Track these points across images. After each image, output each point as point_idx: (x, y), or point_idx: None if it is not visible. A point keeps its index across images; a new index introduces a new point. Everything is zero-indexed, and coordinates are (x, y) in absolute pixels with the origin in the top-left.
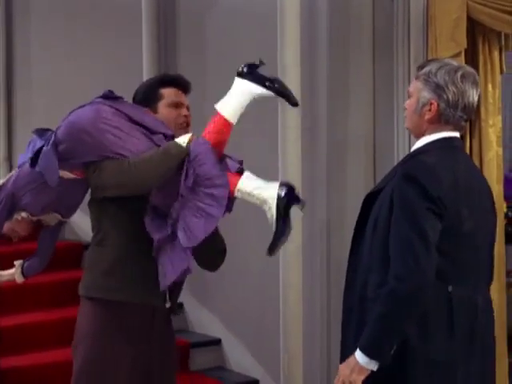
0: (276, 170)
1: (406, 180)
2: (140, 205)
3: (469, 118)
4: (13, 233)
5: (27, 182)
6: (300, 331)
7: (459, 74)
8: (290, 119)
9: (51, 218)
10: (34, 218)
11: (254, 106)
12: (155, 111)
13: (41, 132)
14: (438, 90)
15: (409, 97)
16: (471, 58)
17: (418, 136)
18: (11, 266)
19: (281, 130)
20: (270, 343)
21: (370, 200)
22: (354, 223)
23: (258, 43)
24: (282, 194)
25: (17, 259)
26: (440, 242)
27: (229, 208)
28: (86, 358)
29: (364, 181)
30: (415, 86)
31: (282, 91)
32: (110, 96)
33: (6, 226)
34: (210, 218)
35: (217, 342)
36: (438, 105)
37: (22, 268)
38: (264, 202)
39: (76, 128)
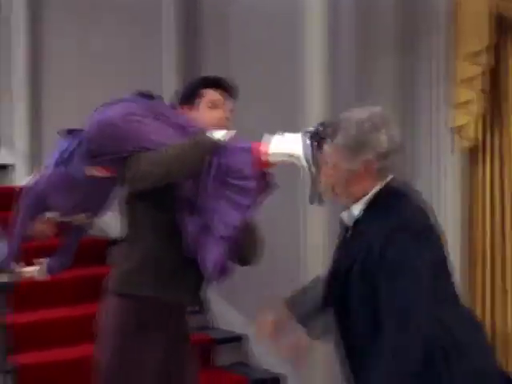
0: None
1: None
2: (172, 202)
3: None
4: (40, 234)
5: (56, 182)
6: None
7: None
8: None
9: (79, 219)
10: (62, 219)
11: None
12: (195, 109)
13: (68, 132)
14: None
15: None
16: (498, 53)
17: None
18: (36, 259)
19: None
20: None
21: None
22: None
23: (281, 38)
24: (307, 142)
25: (39, 255)
26: None
27: (269, 184)
28: (115, 354)
29: None
30: None
31: (314, 178)
32: (142, 94)
33: (35, 228)
34: (242, 207)
35: (241, 339)
36: None
37: (45, 266)
38: (295, 156)
39: (106, 124)
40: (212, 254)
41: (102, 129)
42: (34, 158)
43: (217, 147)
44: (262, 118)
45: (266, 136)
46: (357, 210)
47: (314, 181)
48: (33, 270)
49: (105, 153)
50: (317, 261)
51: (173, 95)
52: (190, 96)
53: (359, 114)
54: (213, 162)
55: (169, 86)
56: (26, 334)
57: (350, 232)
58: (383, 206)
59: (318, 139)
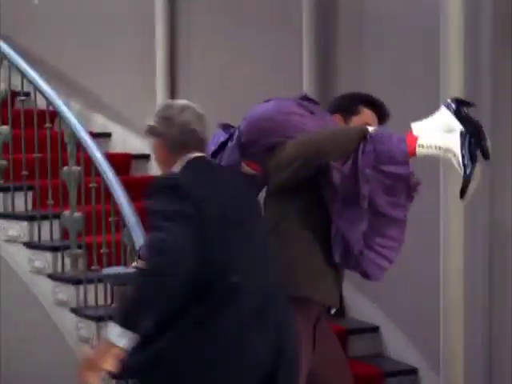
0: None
1: None
2: (320, 199)
3: None
4: None
5: None
6: (461, 318)
7: None
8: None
9: None
10: None
11: (413, 96)
12: (347, 122)
13: (225, 126)
14: None
15: None
16: None
17: None
18: None
19: None
20: (430, 331)
21: None
22: None
23: (418, 43)
24: (466, 139)
25: None
26: None
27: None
28: None
29: None
30: None
31: (479, 139)
32: (306, 98)
33: None
34: (402, 196)
35: (375, 329)
36: None
37: None
38: (446, 150)
39: (256, 118)
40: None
41: (254, 123)
42: None
43: (368, 133)
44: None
45: (414, 124)
46: None
47: (468, 178)
48: None
49: (255, 144)
50: (455, 244)
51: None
52: (347, 108)
53: None
54: (365, 149)
55: (309, 85)
56: None
57: None
58: None
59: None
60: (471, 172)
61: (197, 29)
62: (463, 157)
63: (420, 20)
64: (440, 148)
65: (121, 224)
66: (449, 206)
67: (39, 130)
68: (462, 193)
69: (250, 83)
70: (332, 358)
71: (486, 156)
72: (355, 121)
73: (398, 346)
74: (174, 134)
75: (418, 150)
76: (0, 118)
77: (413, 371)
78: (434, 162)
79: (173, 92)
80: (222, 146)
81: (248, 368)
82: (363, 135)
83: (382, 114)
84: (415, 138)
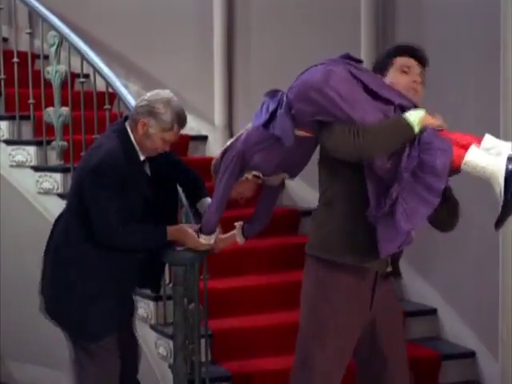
0: None
1: None
2: (367, 171)
3: None
4: (239, 195)
5: (257, 142)
6: None
7: None
8: None
9: (276, 179)
10: (262, 179)
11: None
12: (387, 75)
13: (272, 93)
14: None
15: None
16: None
17: None
18: (233, 229)
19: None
20: (488, 314)
21: None
22: None
23: (478, 33)
24: (510, 167)
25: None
26: None
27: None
28: (308, 316)
29: None
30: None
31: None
32: (349, 57)
33: (235, 188)
34: (427, 205)
35: (433, 312)
36: None
37: (243, 229)
38: (491, 175)
39: (305, 87)
40: (392, 237)
41: (301, 91)
42: (226, 129)
43: (412, 137)
44: (453, 117)
45: (472, 147)
46: None
47: (506, 210)
48: (232, 235)
49: (304, 115)
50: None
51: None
52: (383, 64)
53: None
54: (411, 153)
55: None
56: (221, 301)
57: None
58: None
59: None
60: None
61: (255, 14)
62: (506, 188)
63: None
64: (484, 171)
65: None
66: None
67: (98, 112)
68: (498, 224)
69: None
70: (390, 319)
71: None
72: (391, 72)
73: (456, 329)
74: None
75: (463, 167)
76: (60, 100)
77: (471, 354)
78: None
79: (230, 75)
80: (273, 114)
81: None
82: (410, 139)
83: (415, 55)
84: (463, 154)
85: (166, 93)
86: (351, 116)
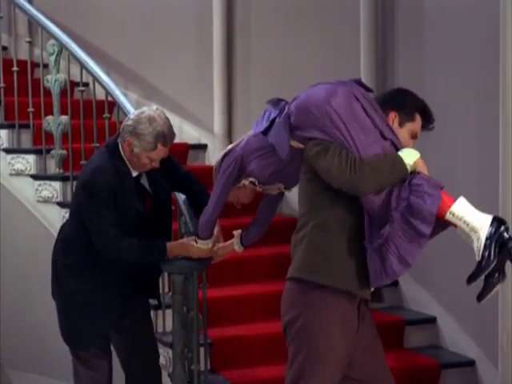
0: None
1: None
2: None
3: None
4: (236, 200)
5: (256, 148)
6: None
7: None
8: None
9: (274, 188)
10: (259, 187)
11: (474, 96)
12: (401, 125)
13: (275, 102)
14: None
15: None
16: None
17: None
18: (231, 238)
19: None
20: (488, 322)
21: None
22: None
23: (478, 42)
24: (493, 230)
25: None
26: None
27: (443, 228)
28: (301, 340)
29: None
30: None
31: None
32: (359, 83)
33: (232, 193)
34: (417, 246)
35: (433, 321)
36: None
37: (241, 237)
38: (473, 229)
39: (308, 102)
40: (385, 270)
41: (301, 106)
42: (226, 138)
43: (405, 176)
44: (452, 118)
45: (461, 198)
46: None
47: (482, 269)
48: (231, 243)
49: (301, 128)
50: None
51: None
52: (402, 109)
53: None
54: (401, 194)
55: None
56: (220, 309)
57: None
58: None
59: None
60: (487, 265)
61: (254, 23)
62: (486, 246)
63: (483, 19)
64: (468, 224)
65: (178, 213)
66: (507, 195)
67: (98, 120)
68: (471, 280)
69: (308, 74)
70: (371, 345)
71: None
72: (409, 127)
73: (456, 338)
74: None
75: (448, 217)
76: (59, 108)
77: (471, 363)
78: None
79: (229, 84)
80: (273, 122)
81: None
82: (404, 176)
83: (428, 124)
84: (450, 204)
85: (151, 111)
86: (347, 141)
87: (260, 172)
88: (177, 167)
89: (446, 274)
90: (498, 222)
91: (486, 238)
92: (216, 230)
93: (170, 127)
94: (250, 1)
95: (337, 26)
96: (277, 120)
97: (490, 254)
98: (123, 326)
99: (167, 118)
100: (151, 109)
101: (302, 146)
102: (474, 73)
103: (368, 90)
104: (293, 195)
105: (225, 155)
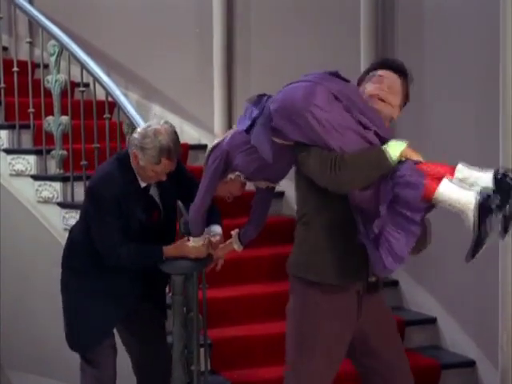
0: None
1: None
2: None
3: None
4: (226, 193)
5: (241, 143)
6: None
7: None
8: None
9: (260, 183)
10: (245, 181)
11: (474, 96)
12: (361, 89)
13: (256, 101)
14: None
15: None
16: None
17: None
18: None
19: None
20: (488, 323)
21: None
22: None
23: (479, 42)
24: (481, 200)
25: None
26: None
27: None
28: (292, 332)
29: None
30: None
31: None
32: (336, 75)
33: (220, 187)
34: (412, 235)
35: (433, 321)
36: None
37: (239, 236)
38: (462, 207)
39: (286, 106)
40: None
41: (281, 109)
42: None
43: (390, 170)
44: (452, 118)
45: (444, 181)
46: None
47: (478, 243)
48: (230, 243)
49: (283, 131)
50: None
51: None
52: (360, 77)
53: None
54: (385, 187)
55: None
56: (220, 310)
57: None
58: None
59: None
60: (483, 239)
61: (254, 23)
62: (479, 220)
63: (483, 19)
64: (453, 207)
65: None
66: None
67: (98, 121)
68: (469, 258)
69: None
70: (384, 332)
71: (505, 231)
72: (366, 80)
73: (456, 338)
74: None
75: (435, 200)
76: (60, 109)
77: (471, 363)
78: None
79: (229, 84)
80: (255, 120)
81: None
82: (387, 170)
83: (391, 68)
84: (434, 189)
85: (158, 125)
86: (328, 143)
87: (244, 167)
88: (189, 182)
89: (445, 274)
90: (484, 197)
91: (478, 212)
92: (217, 239)
93: (176, 141)
94: (250, 1)
95: (337, 26)
96: (258, 121)
97: (481, 231)
98: (133, 328)
99: (175, 132)
100: (159, 122)
101: (285, 142)
102: (474, 73)
103: (346, 81)
104: (293, 195)
105: (212, 150)
